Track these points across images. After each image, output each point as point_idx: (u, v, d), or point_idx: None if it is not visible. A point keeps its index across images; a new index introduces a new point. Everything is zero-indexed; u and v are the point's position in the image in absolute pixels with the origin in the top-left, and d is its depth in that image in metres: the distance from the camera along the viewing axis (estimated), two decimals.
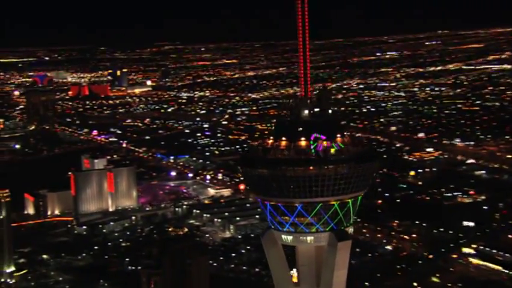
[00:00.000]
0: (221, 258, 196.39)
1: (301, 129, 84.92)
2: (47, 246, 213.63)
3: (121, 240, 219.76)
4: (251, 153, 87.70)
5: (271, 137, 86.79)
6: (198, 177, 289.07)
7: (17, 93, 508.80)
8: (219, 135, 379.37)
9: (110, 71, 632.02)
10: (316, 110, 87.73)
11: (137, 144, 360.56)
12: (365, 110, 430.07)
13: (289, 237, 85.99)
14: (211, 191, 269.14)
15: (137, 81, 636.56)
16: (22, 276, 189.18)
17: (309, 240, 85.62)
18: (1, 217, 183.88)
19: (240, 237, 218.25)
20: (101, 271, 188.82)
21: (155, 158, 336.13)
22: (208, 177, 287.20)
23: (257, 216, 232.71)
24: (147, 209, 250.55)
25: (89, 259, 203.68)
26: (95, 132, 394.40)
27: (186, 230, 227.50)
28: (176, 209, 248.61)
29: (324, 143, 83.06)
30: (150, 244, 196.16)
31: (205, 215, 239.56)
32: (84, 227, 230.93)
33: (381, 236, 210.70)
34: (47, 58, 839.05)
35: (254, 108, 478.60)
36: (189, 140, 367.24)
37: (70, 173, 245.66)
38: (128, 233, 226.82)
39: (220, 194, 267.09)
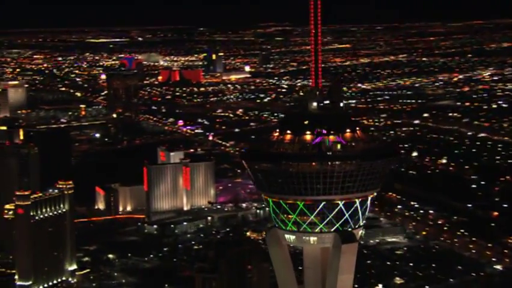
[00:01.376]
0: (300, 267, 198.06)
1: (307, 122, 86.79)
2: (114, 245, 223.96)
3: (193, 242, 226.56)
4: (255, 147, 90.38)
5: (277, 130, 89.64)
6: None
7: (103, 76, 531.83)
8: None
9: (205, 54, 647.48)
10: (326, 102, 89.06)
11: (224, 138, 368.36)
12: (495, 106, 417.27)
13: (292, 237, 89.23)
14: None
15: (234, 66, 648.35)
16: (84, 275, 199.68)
17: (313, 240, 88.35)
18: (64, 210, 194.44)
19: None
20: (168, 275, 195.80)
21: None
22: None
23: None
24: (225, 209, 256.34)
25: (156, 261, 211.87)
26: (180, 122, 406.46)
27: (265, 234, 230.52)
28: (258, 211, 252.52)
29: (331, 137, 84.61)
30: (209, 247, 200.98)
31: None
32: (155, 226, 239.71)
33: (491, 253, 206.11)
34: (140, 39, 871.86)
35: (362, 100, 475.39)
36: None
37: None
38: (202, 235, 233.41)
39: None
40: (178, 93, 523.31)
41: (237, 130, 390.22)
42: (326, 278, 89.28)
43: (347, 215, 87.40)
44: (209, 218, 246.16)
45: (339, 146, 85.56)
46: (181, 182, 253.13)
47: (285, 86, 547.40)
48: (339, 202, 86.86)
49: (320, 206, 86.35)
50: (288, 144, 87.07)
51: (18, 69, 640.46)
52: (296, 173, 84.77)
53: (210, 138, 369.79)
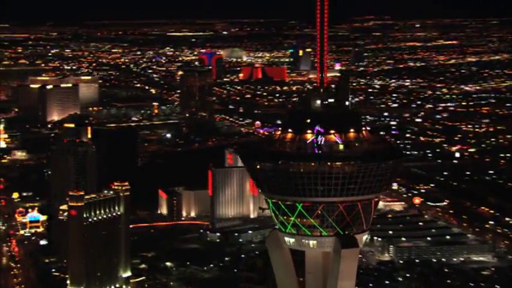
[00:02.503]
0: (370, 285, 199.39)
1: (309, 121, 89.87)
2: (173, 252, 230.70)
3: (257, 252, 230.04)
4: (256, 145, 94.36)
5: (280, 128, 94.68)
6: None
7: (181, 73, 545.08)
8: (407, 135, 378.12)
9: (291, 50, 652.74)
10: (330, 100, 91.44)
11: None
12: None
13: (292, 240, 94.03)
14: (380, 203, 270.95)
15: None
16: (139, 283, 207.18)
17: (312, 244, 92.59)
18: (119, 213, 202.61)
19: (401, 261, 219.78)
20: (227, 287, 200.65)
21: None
22: None
23: (428, 238, 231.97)
24: None
25: (216, 271, 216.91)
26: (257, 123, 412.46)
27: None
28: None
29: (332, 137, 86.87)
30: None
31: None
32: (218, 234, 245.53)
33: None
34: (225, 33, 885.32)
35: (463, 103, 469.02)
36: None
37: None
38: None
39: (389, 207, 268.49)
40: (258, 92, 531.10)
41: None
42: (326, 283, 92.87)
43: (348, 219, 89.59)
44: (276, 227, 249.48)
45: (341, 146, 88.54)
46: (248, 187, 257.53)
47: (377, 86, 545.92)
48: (339, 205, 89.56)
49: (319, 208, 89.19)
50: (289, 143, 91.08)
51: (94, 64, 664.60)
52: (294, 173, 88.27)
53: None
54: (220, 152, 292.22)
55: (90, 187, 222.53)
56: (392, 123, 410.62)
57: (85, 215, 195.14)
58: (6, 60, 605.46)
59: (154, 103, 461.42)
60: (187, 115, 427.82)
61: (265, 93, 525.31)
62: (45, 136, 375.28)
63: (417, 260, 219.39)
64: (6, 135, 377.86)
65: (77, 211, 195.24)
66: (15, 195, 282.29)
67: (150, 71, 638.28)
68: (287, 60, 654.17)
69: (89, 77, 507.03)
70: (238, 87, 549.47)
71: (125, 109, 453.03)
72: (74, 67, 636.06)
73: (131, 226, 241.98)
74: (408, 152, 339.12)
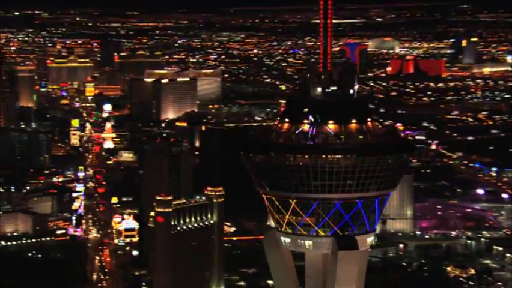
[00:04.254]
0: None
1: (307, 110, 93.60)
2: None
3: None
4: (253, 136, 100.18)
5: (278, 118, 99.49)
6: None
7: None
8: None
9: (453, 40, 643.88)
10: (333, 88, 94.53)
11: (452, 148, 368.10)
12: None
13: (287, 240, 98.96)
14: None
15: (494, 55, 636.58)
16: None
17: (308, 245, 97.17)
18: (212, 222, 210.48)
19: None
20: None
21: (470, 168, 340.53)
22: None
23: None
24: (426, 236, 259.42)
25: None
26: (399, 125, 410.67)
27: (473, 272, 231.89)
28: (469, 241, 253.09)
29: (331, 127, 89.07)
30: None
31: (509, 254, 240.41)
32: None
33: None
34: (379, 19, 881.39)
35: None
36: None
37: None
38: (389, 266, 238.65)
39: None
40: (407, 89, 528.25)
41: (470, 138, 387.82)
42: None
43: (346, 218, 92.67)
44: (401, 245, 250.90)
45: (339, 138, 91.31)
46: None
47: None
48: (336, 202, 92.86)
49: (314, 205, 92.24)
50: (285, 134, 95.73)
51: (223, 56, 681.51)
52: (287, 167, 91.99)
53: (433, 147, 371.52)
54: None
55: (185, 192, 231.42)
56: None
57: (173, 223, 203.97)
58: (127, 51, 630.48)
59: (281, 100, 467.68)
60: None
61: (414, 91, 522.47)
62: (156, 136, 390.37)
63: None
64: (114, 135, 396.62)
65: (164, 218, 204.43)
66: (114, 200, 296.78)
67: (284, 64, 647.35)
68: (448, 52, 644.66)
69: (210, 71, 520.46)
70: (384, 83, 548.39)
71: (248, 107, 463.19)
72: (200, 59, 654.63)
73: (235, 238, 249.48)
74: None
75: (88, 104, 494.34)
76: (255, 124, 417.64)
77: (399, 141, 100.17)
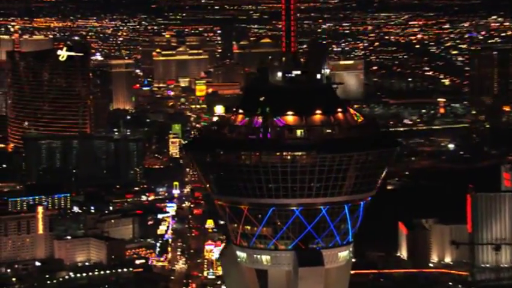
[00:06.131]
0: None
1: (262, 98, 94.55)
2: None
3: None
4: (204, 131, 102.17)
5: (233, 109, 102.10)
6: None
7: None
8: None
9: None
10: (296, 72, 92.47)
11: None
12: None
13: (243, 254, 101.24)
14: None
15: None
16: None
17: (265, 260, 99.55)
18: None
19: None
20: None
21: None
22: None
23: None
24: None
25: None
26: None
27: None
28: None
29: (289, 119, 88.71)
30: None
31: None
32: None
33: None
34: None
35: None
36: None
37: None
38: None
39: None
40: None
41: None
42: None
43: (309, 228, 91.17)
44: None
45: (299, 132, 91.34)
46: None
47: None
48: (295, 208, 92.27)
49: (269, 213, 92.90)
50: (239, 127, 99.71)
51: (376, 43, 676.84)
52: (236, 167, 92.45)
53: None
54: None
55: None
56: None
57: None
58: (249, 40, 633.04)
59: (440, 99, 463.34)
60: (481, 117, 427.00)
61: None
62: None
63: None
64: None
65: None
66: (209, 223, 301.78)
67: (455, 52, 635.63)
68: None
69: (350, 62, 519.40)
70: None
71: (396, 107, 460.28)
72: (346, 48, 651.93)
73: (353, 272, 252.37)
74: None
75: (198, 106, 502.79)
76: (401, 129, 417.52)
77: (378, 135, 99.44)
